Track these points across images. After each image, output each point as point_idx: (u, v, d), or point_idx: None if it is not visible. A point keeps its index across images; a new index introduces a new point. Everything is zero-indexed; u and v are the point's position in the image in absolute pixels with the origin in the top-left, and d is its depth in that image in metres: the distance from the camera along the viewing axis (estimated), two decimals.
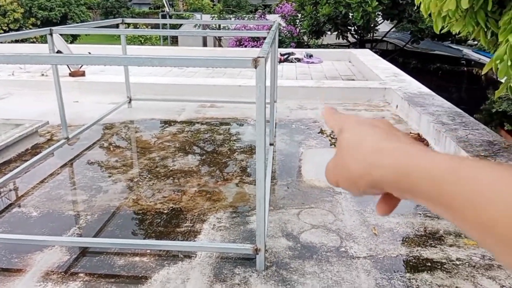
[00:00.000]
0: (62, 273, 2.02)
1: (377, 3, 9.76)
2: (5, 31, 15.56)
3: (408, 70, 6.79)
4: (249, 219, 2.55)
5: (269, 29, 5.55)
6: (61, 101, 3.35)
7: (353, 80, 6.64)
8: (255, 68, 1.64)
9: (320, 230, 2.42)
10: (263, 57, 1.64)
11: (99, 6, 25.37)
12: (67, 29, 3.66)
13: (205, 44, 15.29)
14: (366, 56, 7.95)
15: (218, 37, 14.71)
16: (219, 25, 14.45)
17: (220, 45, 14.93)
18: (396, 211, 2.59)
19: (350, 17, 10.85)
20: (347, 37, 12.05)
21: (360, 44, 12.35)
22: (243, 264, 2.10)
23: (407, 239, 2.34)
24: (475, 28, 2.77)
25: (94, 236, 2.34)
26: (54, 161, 3.37)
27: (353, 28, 11.88)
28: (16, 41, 12.68)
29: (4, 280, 1.97)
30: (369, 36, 12.75)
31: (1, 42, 10.04)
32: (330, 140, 3.95)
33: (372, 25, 11.49)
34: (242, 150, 3.73)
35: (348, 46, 12.29)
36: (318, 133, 4.17)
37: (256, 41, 13.14)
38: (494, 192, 0.30)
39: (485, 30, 2.76)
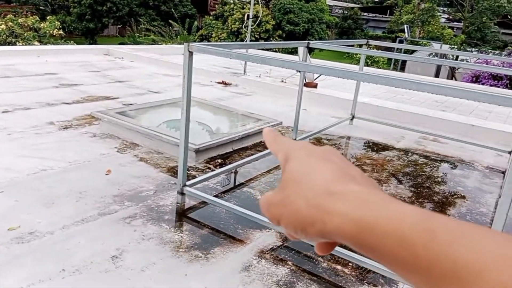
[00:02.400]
0: (274, 256, 2.28)
1: None
2: (256, 39, 18.19)
3: None
4: None
5: None
6: (298, 107, 3.74)
7: None
8: None
9: None
10: None
11: (336, 26, 27.01)
12: (321, 44, 4.05)
13: (437, 76, 14.45)
14: None
15: (453, 70, 13.68)
16: (457, 57, 13.42)
17: (453, 78, 13.85)
18: None
19: None
20: None
21: None
22: None
23: None
24: None
25: None
26: None
27: None
28: (262, 49, 14.67)
29: (230, 245, 2.35)
30: None
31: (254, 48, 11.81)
32: None
33: None
34: (462, 194, 3.41)
35: None
36: None
37: (498, 81, 11.67)
38: (485, 262, 0.24)
39: None
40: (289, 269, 2.16)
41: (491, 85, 11.41)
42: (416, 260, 0.27)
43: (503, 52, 13.49)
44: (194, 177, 3.04)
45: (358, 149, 4.41)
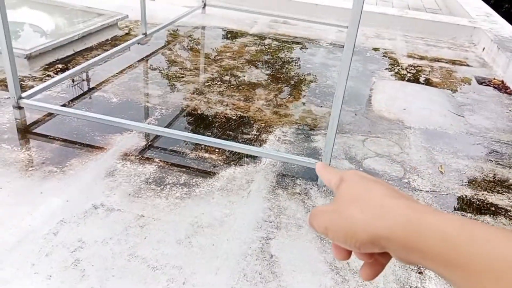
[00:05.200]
0: (140, 156, 2.19)
1: None
2: None
3: (499, 13, 6.12)
4: (313, 138, 2.58)
5: None
6: None
7: (437, 14, 6.11)
8: None
9: (384, 159, 2.41)
10: None
11: None
12: None
13: None
14: None
15: None
16: None
17: None
18: (466, 154, 2.51)
19: None
20: None
21: None
22: (303, 178, 2.17)
23: (473, 182, 2.29)
24: None
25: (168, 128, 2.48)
26: (131, 54, 3.49)
27: None
28: None
29: (88, 154, 2.17)
30: None
31: None
32: (405, 74, 3.77)
33: None
34: (311, 71, 3.66)
35: None
36: (394, 64, 3.97)
37: None
38: None
39: None
40: (157, 166, 2.12)
41: None
42: (458, 256, 0.30)
43: None
44: (32, 87, 2.62)
45: (214, 38, 4.30)
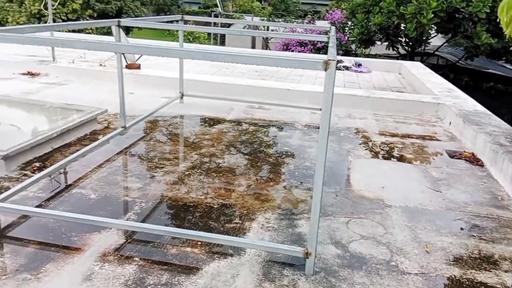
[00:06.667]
0: (119, 256, 2.11)
1: (432, 15, 9.51)
2: (63, 21, 16.31)
3: (459, 87, 6.57)
4: (297, 223, 2.56)
5: (320, 34, 5.55)
6: (122, 91, 3.49)
7: (402, 92, 6.50)
8: (325, 70, 1.65)
9: (369, 241, 2.39)
10: (334, 60, 1.65)
11: (151, 2, 26.18)
12: (133, 22, 3.83)
13: (253, 47, 15.47)
14: (418, 69, 7.76)
15: (266, 40, 14.87)
16: (268, 28, 14.58)
17: (267, 48, 15.05)
18: (449, 231, 2.52)
19: (403, 28, 10.63)
20: (397, 48, 11.81)
21: (410, 56, 12.07)
22: (291, 267, 2.11)
23: (460, 260, 2.27)
24: None
25: (149, 223, 2.42)
26: (110, 148, 3.52)
27: (404, 40, 11.62)
28: (73, 31, 13.27)
29: (64, 257, 2.08)
30: (420, 49, 12.43)
31: (59, 31, 10.54)
32: (380, 152, 3.89)
33: (424, 38, 11.20)
34: (289, 153, 3.74)
35: (397, 58, 12.04)
36: (368, 143, 4.11)
37: (303, 47, 13.14)
38: None
39: None
40: (136, 265, 2.03)
41: (299, 51, 12.78)
42: None
43: (305, 21, 15.27)
44: (7, 188, 2.57)
45: (193, 126, 4.41)
